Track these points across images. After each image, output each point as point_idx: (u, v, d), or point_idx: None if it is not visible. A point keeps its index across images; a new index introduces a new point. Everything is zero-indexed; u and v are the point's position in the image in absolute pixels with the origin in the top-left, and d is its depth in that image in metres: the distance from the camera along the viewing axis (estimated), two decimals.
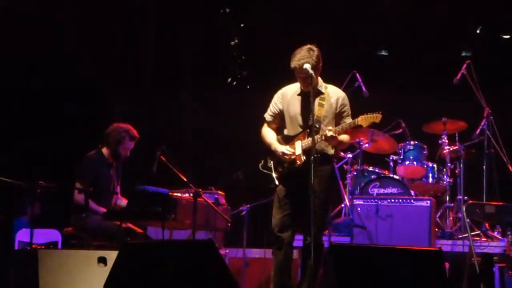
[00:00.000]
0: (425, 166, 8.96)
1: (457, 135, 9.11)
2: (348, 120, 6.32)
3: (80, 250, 6.53)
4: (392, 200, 8.22)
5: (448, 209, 8.88)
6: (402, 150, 9.04)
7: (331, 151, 6.40)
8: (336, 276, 5.14)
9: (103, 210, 7.27)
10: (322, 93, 6.37)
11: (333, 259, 5.20)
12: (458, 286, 6.76)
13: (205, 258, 5.24)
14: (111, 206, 7.51)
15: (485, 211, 7.05)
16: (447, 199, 8.92)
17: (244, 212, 8.36)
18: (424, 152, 9.04)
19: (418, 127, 9.20)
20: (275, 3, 10.71)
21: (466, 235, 7.66)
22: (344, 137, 6.32)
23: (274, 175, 6.42)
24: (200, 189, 7.18)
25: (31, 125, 9.96)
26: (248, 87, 11.07)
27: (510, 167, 8.30)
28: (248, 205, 8.40)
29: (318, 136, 6.16)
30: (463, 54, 10.36)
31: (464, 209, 7.13)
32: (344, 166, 9.21)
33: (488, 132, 8.52)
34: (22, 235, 8.25)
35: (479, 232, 8.40)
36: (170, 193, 7.12)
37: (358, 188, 8.81)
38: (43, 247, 7.55)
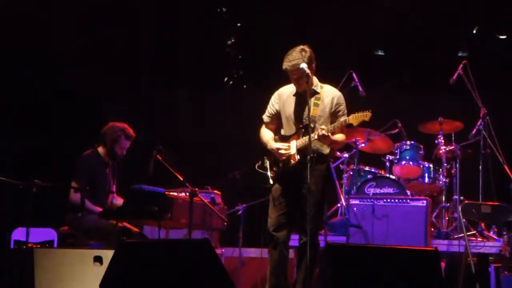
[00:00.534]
0: (421, 166, 8.96)
1: (453, 135, 9.11)
2: (343, 119, 6.32)
3: (76, 249, 6.53)
4: (388, 200, 8.22)
5: (444, 209, 8.89)
6: (398, 150, 9.05)
7: (326, 151, 6.41)
8: (332, 275, 5.14)
9: (99, 209, 7.27)
10: (318, 93, 6.38)
11: (329, 259, 5.20)
12: (453, 286, 6.77)
13: (201, 257, 5.24)
14: (107, 205, 7.50)
15: (481, 211, 7.07)
16: (443, 199, 8.93)
17: (240, 212, 8.35)
18: (420, 152, 9.05)
19: (415, 127, 9.21)
20: (272, 3, 10.71)
21: (462, 235, 7.65)
22: (339, 137, 6.33)
23: (269, 174, 6.42)
24: (196, 189, 7.18)
25: (27, 124, 9.95)
26: (244, 86, 11.06)
27: (506, 167, 8.30)
28: (244, 205, 8.39)
29: (313, 134, 6.15)
30: (460, 54, 10.36)
31: (460, 209, 7.14)
32: (340, 165, 9.21)
33: (484, 132, 8.51)
34: (18, 234, 8.24)
35: (475, 232, 8.40)
36: (166, 192, 7.11)
37: (354, 188, 8.81)
38: (39, 246, 7.54)
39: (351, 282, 5.13)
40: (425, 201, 8.16)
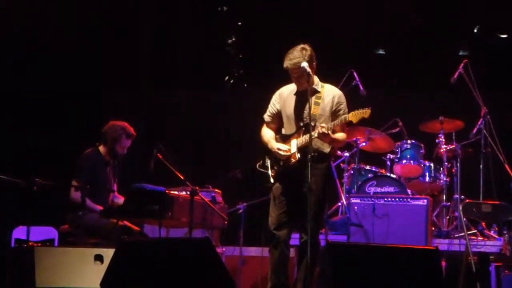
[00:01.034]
0: (422, 165, 8.96)
1: (454, 134, 9.11)
2: (343, 117, 6.31)
3: (77, 248, 6.53)
4: (389, 199, 8.22)
5: (444, 208, 8.89)
6: (399, 149, 9.05)
7: (327, 149, 6.41)
8: (333, 274, 5.14)
9: (100, 208, 7.27)
10: (318, 92, 6.38)
11: (329, 258, 5.20)
12: (454, 285, 6.76)
13: (201, 256, 5.24)
14: (108, 204, 7.51)
15: (482, 210, 7.06)
16: (444, 198, 8.92)
17: (241, 210, 8.35)
18: (421, 151, 9.04)
19: (415, 126, 9.20)
20: (273, 2, 10.70)
21: (463, 234, 7.64)
22: (340, 135, 6.33)
23: (270, 173, 6.43)
24: (197, 187, 7.18)
25: (28, 123, 9.95)
26: (245, 85, 11.05)
27: (506, 166, 8.30)
28: (245, 203, 8.40)
29: (313, 133, 6.15)
30: (460, 53, 10.35)
31: (460, 208, 7.14)
32: (341, 164, 9.21)
33: (485, 131, 8.51)
34: (19, 233, 8.24)
35: (475, 231, 8.40)
36: (167, 191, 7.12)
37: (355, 187, 8.81)
38: (39, 244, 7.55)
39: (351, 281, 5.13)
40: (425, 200, 8.16)
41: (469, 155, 8.95)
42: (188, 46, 10.95)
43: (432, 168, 8.98)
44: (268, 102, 6.62)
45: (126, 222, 7.33)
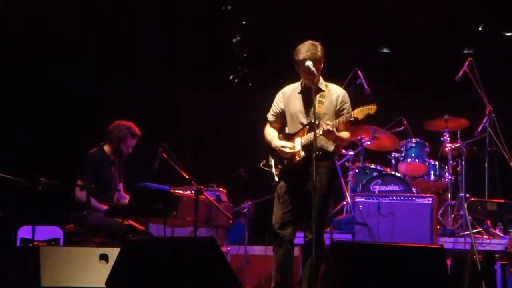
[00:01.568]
0: (427, 164, 8.95)
1: (459, 132, 9.10)
2: (348, 114, 6.32)
3: (82, 247, 6.54)
4: (394, 198, 8.22)
5: (449, 206, 8.87)
6: (404, 147, 9.04)
7: (331, 148, 6.40)
8: (338, 273, 5.14)
9: (105, 207, 7.28)
10: (322, 91, 6.38)
11: (334, 256, 5.20)
12: (459, 283, 6.76)
13: (206, 255, 5.24)
14: (113, 203, 7.51)
15: (487, 209, 7.05)
16: (449, 196, 8.91)
17: (245, 209, 8.36)
18: (426, 150, 9.04)
19: (420, 124, 9.19)
20: (276, 1, 10.70)
21: (468, 232, 7.65)
22: (344, 134, 6.32)
23: (274, 172, 6.43)
24: (201, 186, 7.18)
25: (33, 122, 9.97)
26: (250, 84, 11.06)
27: (511, 165, 8.29)
28: (250, 202, 8.40)
29: (317, 131, 6.15)
30: (465, 51, 10.34)
31: (466, 206, 7.12)
32: (346, 163, 9.21)
33: (490, 129, 8.50)
34: (24, 232, 8.25)
35: (480, 229, 8.39)
36: (171, 190, 7.12)
37: (360, 186, 8.81)
38: (44, 244, 7.55)
39: (356, 280, 5.13)
40: (430, 199, 8.15)
41: (474, 154, 8.94)
42: (193, 45, 10.95)
43: (437, 166, 8.97)
44: (272, 101, 6.62)
45: (131, 222, 7.34)
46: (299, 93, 6.43)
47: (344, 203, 8.86)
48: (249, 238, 8.33)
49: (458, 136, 9.08)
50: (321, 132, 6.15)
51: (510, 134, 8.61)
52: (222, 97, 10.92)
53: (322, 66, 6.33)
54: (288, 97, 6.48)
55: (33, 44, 9.98)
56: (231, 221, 7.67)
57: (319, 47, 6.26)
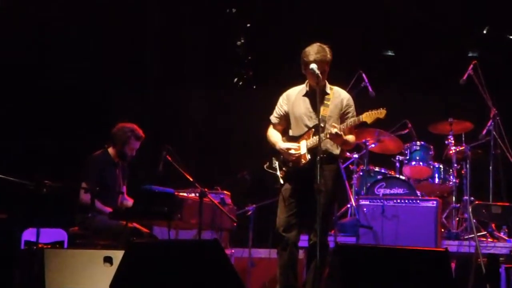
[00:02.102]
0: (431, 167, 8.94)
1: (463, 135, 9.08)
2: (356, 118, 6.31)
3: (86, 250, 6.54)
4: (398, 201, 8.21)
5: (454, 209, 8.87)
6: (408, 150, 9.03)
7: (336, 151, 6.40)
8: (342, 276, 5.13)
9: (109, 209, 7.28)
10: (327, 94, 6.38)
11: (338, 259, 5.19)
12: (464, 287, 6.75)
13: (211, 258, 5.24)
14: (117, 205, 7.51)
15: (492, 212, 7.05)
16: (453, 199, 8.90)
17: (250, 212, 8.35)
18: (430, 153, 9.03)
19: (424, 127, 9.19)
20: (281, 3, 10.71)
21: (472, 235, 7.64)
22: (349, 137, 6.32)
23: (279, 174, 6.42)
24: (206, 189, 7.19)
25: (37, 124, 9.98)
26: (254, 87, 11.06)
27: None
28: (254, 205, 8.40)
29: (323, 134, 6.15)
30: (470, 54, 10.33)
31: (470, 209, 7.13)
32: (350, 166, 9.20)
33: (494, 132, 8.50)
34: (28, 235, 8.27)
35: (485, 232, 8.37)
36: (176, 193, 7.12)
37: (364, 189, 8.80)
38: (49, 246, 7.57)
39: (360, 283, 5.12)
40: (435, 202, 8.15)
41: (478, 157, 8.93)
42: (197, 47, 10.96)
43: (442, 169, 8.96)
44: (276, 103, 6.61)
45: (135, 224, 7.34)
46: (304, 95, 6.43)
47: (349, 206, 8.85)
48: (253, 241, 8.33)
49: (463, 139, 9.07)
50: (327, 136, 6.15)
51: None
52: (227, 99, 10.92)
53: (327, 71, 6.33)
54: (293, 100, 6.48)
55: (36, 45, 10.00)
56: (235, 224, 7.67)
57: (327, 49, 6.27)
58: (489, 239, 8.27)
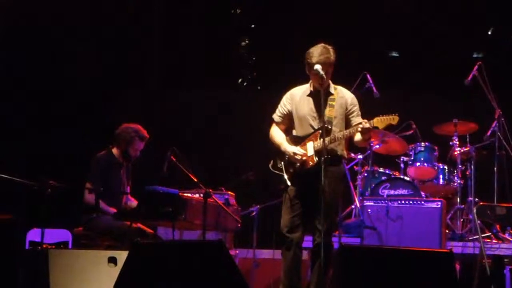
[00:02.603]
0: (436, 168, 8.93)
1: (468, 136, 9.08)
2: (358, 119, 6.32)
3: (91, 250, 6.54)
4: (403, 202, 8.20)
5: (459, 210, 8.86)
6: (413, 151, 9.02)
7: (341, 152, 6.40)
8: (346, 277, 5.13)
9: (113, 210, 7.29)
10: (332, 94, 6.37)
11: (343, 260, 5.19)
12: None
13: (215, 258, 5.24)
14: (122, 206, 7.52)
15: (496, 213, 7.03)
16: (458, 200, 8.89)
17: (254, 213, 8.36)
18: (435, 154, 9.02)
19: (429, 128, 9.17)
20: (286, 4, 10.70)
21: (477, 237, 7.63)
22: (358, 136, 6.31)
23: (285, 176, 6.41)
24: (210, 190, 7.18)
25: (41, 125, 9.99)
26: (258, 87, 11.06)
27: None
28: (258, 206, 8.40)
29: (328, 138, 6.14)
30: (475, 55, 10.32)
31: (475, 210, 7.11)
32: (354, 167, 9.19)
33: (499, 133, 8.49)
34: (33, 235, 8.28)
35: (490, 234, 8.36)
36: (180, 194, 7.12)
37: (369, 189, 8.79)
38: (53, 247, 7.57)
39: (365, 284, 5.12)
40: (439, 203, 8.13)
41: (483, 158, 8.92)
42: (201, 48, 10.96)
43: (446, 170, 8.95)
44: (279, 103, 6.61)
45: (139, 225, 7.35)
46: (308, 95, 6.42)
47: (353, 207, 8.84)
48: (258, 242, 8.33)
49: (467, 140, 9.06)
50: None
51: None
52: (231, 99, 10.92)
53: (331, 71, 6.32)
54: (297, 99, 6.47)
55: (39, 46, 10.01)
56: (239, 225, 7.67)
57: (331, 50, 6.27)
58: (493, 240, 8.26)
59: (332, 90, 6.39)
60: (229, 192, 8.07)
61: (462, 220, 8.84)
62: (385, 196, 8.54)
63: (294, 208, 6.32)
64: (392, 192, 8.61)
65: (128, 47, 10.50)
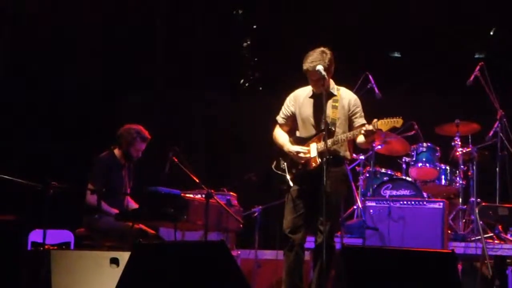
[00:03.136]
0: (438, 168, 8.93)
1: (470, 137, 9.07)
2: (362, 120, 6.32)
3: (93, 251, 6.55)
4: (405, 202, 8.20)
5: (461, 211, 8.85)
6: (415, 152, 9.02)
7: (343, 153, 6.39)
8: (348, 278, 5.13)
9: (115, 211, 7.29)
10: (335, 95, 6.37)
11: (345, 261, 5.19)
12: None
13: (217, 259, 5.24)
14: (123, 207, 7.53)
15: (498, 213, 7.04)
16: (460, 201, 8.88)
17: (256, 214, 8.35)
18: (437, 154, 9.01)
19: (431, 129, 9.17)
20: (288, 5, 10.71)
21: (479, 237, 7.63)
22: (361, 138, 6.31)
23: (288, 176, 6.41)
24: (212, 190, 7.18)
25: (44, 126, 10.00)
26: (260, 88, 11.06)
27: None
28: (260, 207, 8.40)
29: (331, 140, 6.15)
30: (476, 56, 10.32)
31: (477, 211, 7.12)
32: (356, 168, 9.18)
33: (501, 134, 8.48)
34: (35, 236, 8.28)
35: (492, 234, 8.35)
36: (182, 194, 7.12)
37: (371, 190, 8.79)
38: (55, 247, 7.57)
39: (367, 284, 5.12)
40: (441, 203, 8.13)
41: (485, 158, 8.92)
42: (204, 49, 10.97)
43: (448, 171, 8.95)
44: (282, 105, 6.61)
45: (141, 225, 7.35)
46: (311, 97, 6.42)
47: (355, 207, 8.84)
48: (260, 242, 8.32)
49: (469, 140, 9.05)
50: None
51: None
52: (233, 100, 10.92)
53: (332, 71, 6.31)
54: (301, 101, 6.47)
55: (43, 46, 10.02)
56: (241, 225, 7.67)
57: (327, 57, 6.22)
58: (495, 241, 8.25)
59: (334, 91, 6.39)
60: (231, 193, 8.07)
61: (464, 220, 8.84)
62: (387, 196, 8.54)
63: (297, 209, 6.33)
64: (394, 192, 8.61)
65: (132, 48, 10.50)
